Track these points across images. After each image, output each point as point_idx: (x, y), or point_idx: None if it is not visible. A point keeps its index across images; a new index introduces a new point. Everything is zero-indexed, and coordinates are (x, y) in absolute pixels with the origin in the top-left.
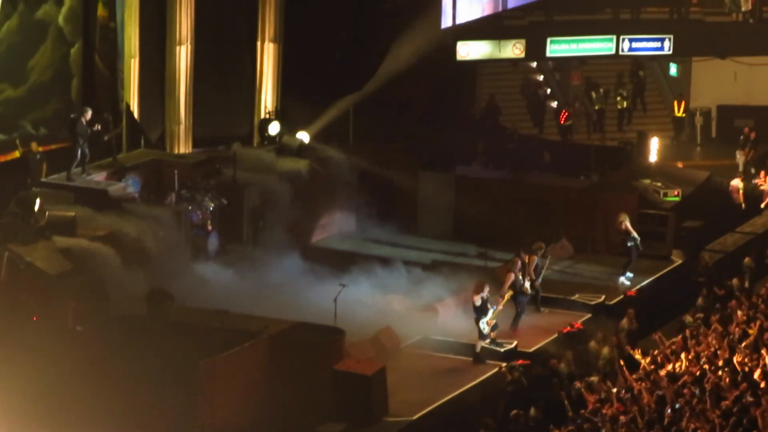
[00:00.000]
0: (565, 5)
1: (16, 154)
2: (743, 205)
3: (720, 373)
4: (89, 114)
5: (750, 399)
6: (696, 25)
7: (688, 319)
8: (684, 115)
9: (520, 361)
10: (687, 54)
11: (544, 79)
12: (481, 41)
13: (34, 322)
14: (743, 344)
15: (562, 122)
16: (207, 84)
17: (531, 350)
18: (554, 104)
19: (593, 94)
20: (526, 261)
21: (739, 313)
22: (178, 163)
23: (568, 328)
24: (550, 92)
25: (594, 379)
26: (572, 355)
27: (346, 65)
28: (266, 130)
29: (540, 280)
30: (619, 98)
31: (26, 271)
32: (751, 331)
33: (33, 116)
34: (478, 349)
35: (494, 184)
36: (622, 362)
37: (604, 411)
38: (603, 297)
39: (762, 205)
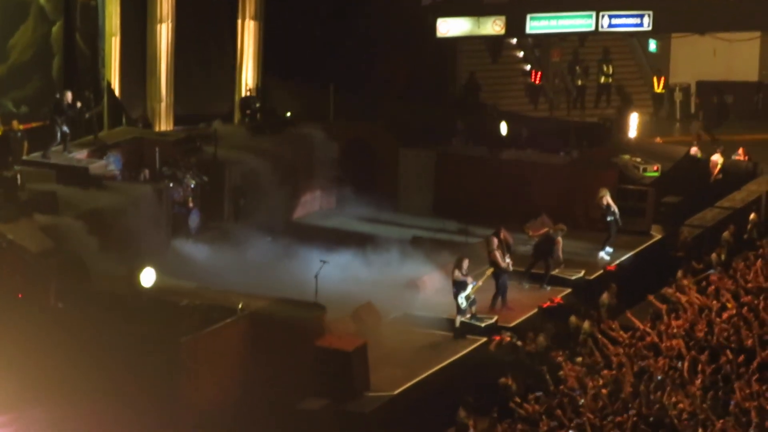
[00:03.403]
0: None
1: None
2: (719, 176)
3: (699, 346)
4: (69, 96)
5: (728, 371)
6: (675, 1)
7: (667, 293)
8: (663, 91)
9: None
10: (666, 30)
11: (524, 55)
12: (461, 18)
13: (15, 300)
14: (721, 318)
15: (536, 82)
16: (188, 62)
17: (511, 325)
18: (527, 67)
19: (577, 69)
20: (503, 238)
21: (718, 287)
22: (159, 140)
23: (548, 303)
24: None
25: (579, 359)
26: (552, 329)
27: (326, 43)
28: (247, 107)
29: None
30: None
31: (8, 249)
32: (729, 305)
33: (14, 95)
34: (457, 324)
35: (474, 161)
36: (601, 336)
37: (584, 384)
38: (583, 272)
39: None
